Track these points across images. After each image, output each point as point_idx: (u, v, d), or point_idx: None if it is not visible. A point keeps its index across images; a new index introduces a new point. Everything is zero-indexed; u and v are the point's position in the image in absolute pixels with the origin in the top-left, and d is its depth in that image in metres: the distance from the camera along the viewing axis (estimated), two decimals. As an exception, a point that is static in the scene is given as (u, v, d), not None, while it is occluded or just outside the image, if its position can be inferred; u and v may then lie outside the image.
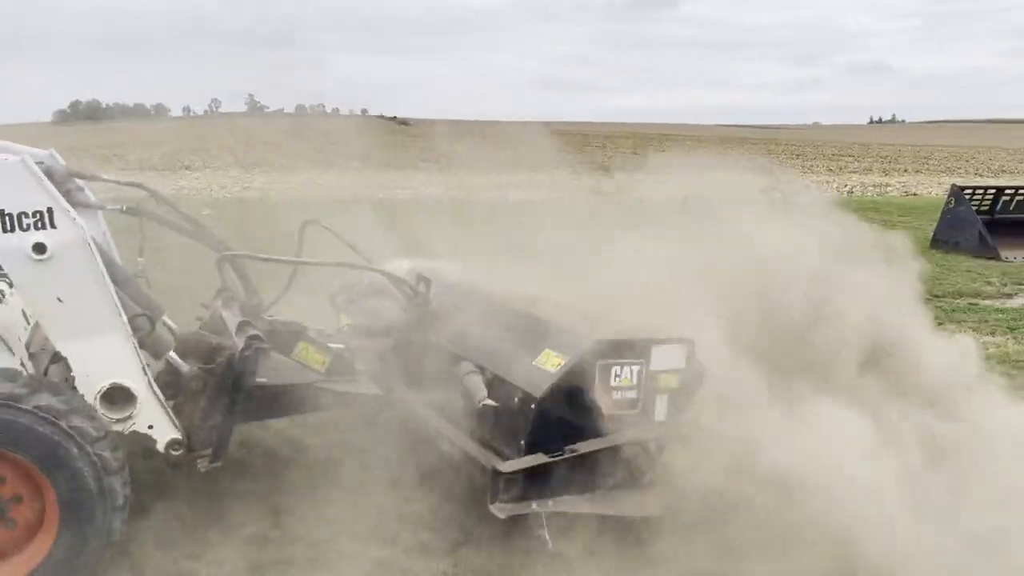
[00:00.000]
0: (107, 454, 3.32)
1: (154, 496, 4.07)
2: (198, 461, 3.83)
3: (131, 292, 3.93)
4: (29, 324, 3.95)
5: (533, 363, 3.88)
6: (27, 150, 4.12)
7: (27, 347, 3.88)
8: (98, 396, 3.49)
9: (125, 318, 3.50)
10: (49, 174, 3.81)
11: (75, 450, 3.23)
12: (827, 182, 31.41)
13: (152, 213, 4.26)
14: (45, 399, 3.23)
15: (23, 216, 3.26)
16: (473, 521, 3.99)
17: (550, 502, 3.69)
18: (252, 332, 3.97)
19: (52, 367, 3.80)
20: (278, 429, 5.02)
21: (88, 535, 3.31)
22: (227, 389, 3.85)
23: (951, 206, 14.46)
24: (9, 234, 3.26)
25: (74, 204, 4.03)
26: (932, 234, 14.65)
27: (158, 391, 3.62)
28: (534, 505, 3.66)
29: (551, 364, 3.81)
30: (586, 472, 3.74)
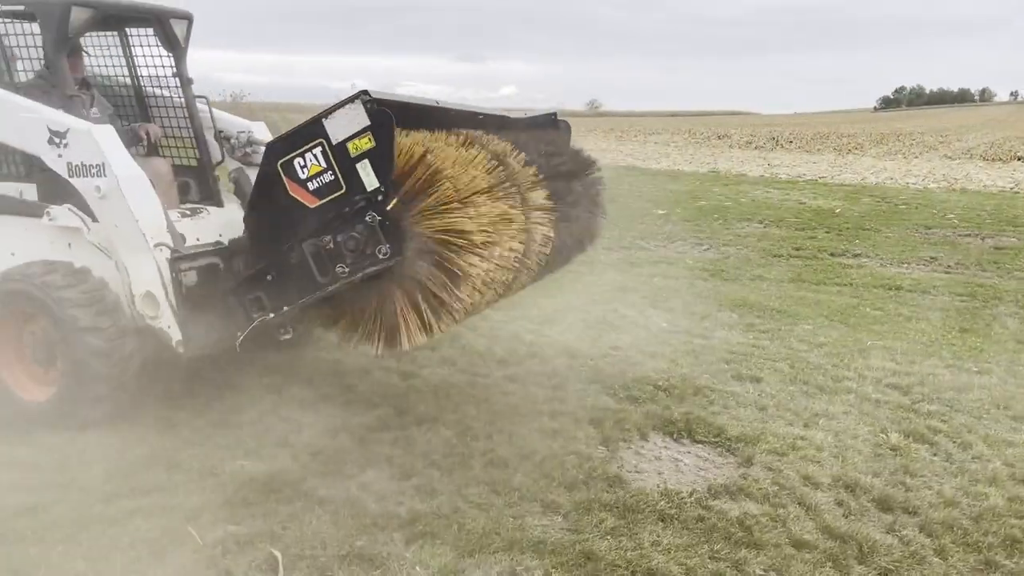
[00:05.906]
0: (73, 311, 4.75)
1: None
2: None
3: None
4: None
5: None
6: (238, 122, 6.12)
7: None
8: (139, 297, 4.84)
9: (151, 244, 4.81)
10: (247, 142, 6.01)
11: (53, 306, 4.80)
12: None
13: None
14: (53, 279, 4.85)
15: (91, 167, 4.82)
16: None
17: (271, 314, 4.18)
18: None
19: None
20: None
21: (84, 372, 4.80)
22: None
23: None
24: (84, 179, 4.82)
25: (252, 164, 5.87)
26: None
27: (172, 301, 4.82)
28: (255, 319, 4.19)
29: None
30: (315, 268, 3.99)
